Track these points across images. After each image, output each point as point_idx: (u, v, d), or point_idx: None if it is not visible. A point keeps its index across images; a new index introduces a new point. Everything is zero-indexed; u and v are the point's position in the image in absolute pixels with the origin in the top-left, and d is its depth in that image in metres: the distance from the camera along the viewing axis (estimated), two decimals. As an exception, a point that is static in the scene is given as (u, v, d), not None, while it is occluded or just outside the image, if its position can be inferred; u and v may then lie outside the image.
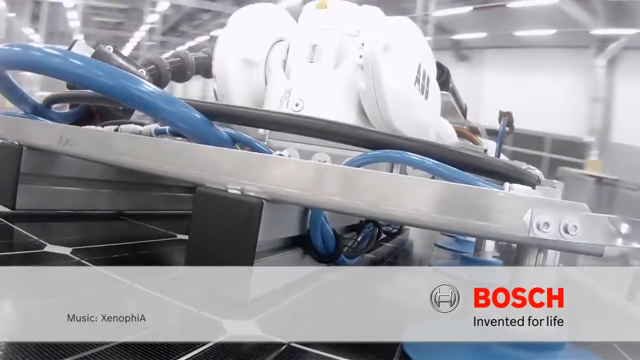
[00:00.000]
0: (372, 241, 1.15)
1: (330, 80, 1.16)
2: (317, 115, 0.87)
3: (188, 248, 0.67)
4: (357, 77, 1.11)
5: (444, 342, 0.61)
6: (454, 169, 0.69)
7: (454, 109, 1.85)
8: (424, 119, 1.21)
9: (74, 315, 0.53)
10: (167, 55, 1.61)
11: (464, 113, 1.99)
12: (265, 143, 0.98)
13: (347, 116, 1.13)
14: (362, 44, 1.08)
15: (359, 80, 1.10)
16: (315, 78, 1.17)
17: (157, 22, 12.22)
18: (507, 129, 1.88)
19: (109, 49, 1.23)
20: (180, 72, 1.57)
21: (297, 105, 1.15)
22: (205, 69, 1.70)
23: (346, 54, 1.19)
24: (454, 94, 1.80)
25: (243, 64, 1.24)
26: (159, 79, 1.41)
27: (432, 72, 1.25)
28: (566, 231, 0.49)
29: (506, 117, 1.88)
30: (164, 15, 12.21)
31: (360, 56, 1.08)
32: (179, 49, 1.70)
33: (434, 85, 1.25)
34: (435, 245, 1.82)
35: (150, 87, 0.75)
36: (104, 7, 13.28)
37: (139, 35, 12.31)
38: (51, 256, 0.75)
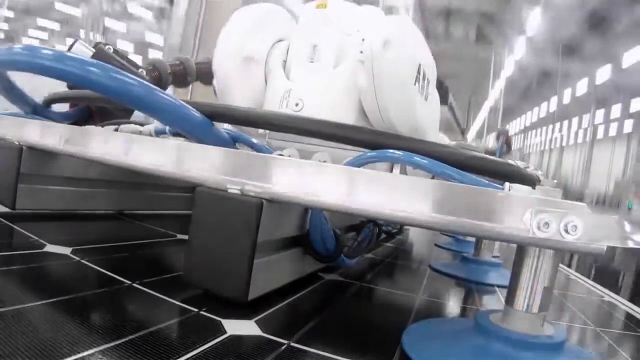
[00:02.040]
0: (372, 241, 1.16)
1: (330, 80, 1.16)
2: (317, 115, 0.87)
3: (188, 248, 0.67)
4: (357, 76, 1.11)
5: (444, 342, 0.62)
6: (454, 168, 0.69)
7: (452, 126, 1.86)
8: (423, 120, 1.21)
9: (74, 315, 0.53)
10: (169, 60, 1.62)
11: (462, 132, 2.01)
12: (265, 143, 0.98)
13: (347, 116, 1.14)
14: (363, 39, 1.08)
15: (359, 78, 1.10)
16: (315, 78, 1.17)
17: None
18: (504, 148, 1.90)
19: (109, 49, 1.23)
20: (181, 77, 1.57)
21: (297, 105, 1.15)
22: (205, 76, 1.71)
23: (346, 53, 1.19)
24: (452, 110, 1.81)
25: (243, 60, 1.24)
26: (159, 82, 1.41)
27: (433, 77, 1.25)
28: (566, 231, 0.49)
29: (504, 137, 1.90)
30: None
31: (361, 52, 1.08)
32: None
33: (433, 91, 1.25)
34: (435, 245, 1.83)
35: (150, 87, 0.75)
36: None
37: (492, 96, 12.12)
38: (51, 256, 0.75)
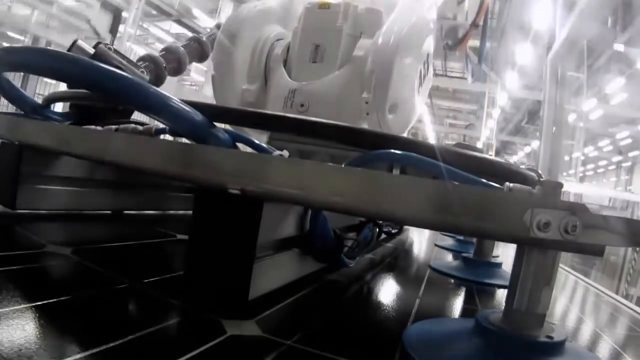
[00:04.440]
0: (372, 241, 1.16)
1: (335, 81, 1.16)
2: (322, 116, 0.87)
3: (188, 248, 0.67)
4: (360, 77, 1.12)
5: (444, 342, 0.61)
6: (454, 169, 0.69)
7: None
8: (419, 111, 1.25)
9: (74, 315, 0.53)
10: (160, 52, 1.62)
11: None
12: (265, 143, 0.98)
13: (350, 116, 1.14)
14: (367, 102, 1.09)
15: (365, 120, 1.12)
16: (320, 79, 1.17)
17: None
18: None
19: (109, 48, 1.23)
20: (176, 67, 1.58)
21: (302, 105, 1.15)
22: (197, 56, 1.71)
23: (349, 54, 1.19)
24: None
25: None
26: (157, 77, 1.42)
27: (429, 57, 1.26)
28: (566, 231, 0.49)
29: None
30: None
31: (367, 113, 1.09)
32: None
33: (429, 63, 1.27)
34: (435, 245, 1.82)
35: (150, 87, 0.75)
36: (456, 109, 14.47)
37: (484, 134, 12.49)
38: (51, 256, 0.75)
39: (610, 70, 8.85)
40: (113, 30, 5.49)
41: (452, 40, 2.14)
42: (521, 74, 9.66)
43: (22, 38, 7.01)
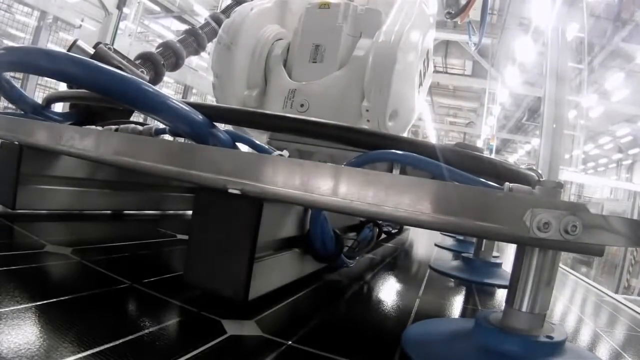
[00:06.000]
0: (372, 241, 1.16)
1: (335, 81, 1.16)
2: (322, 117, 0.87)
3: (188, 248, 0.67)
4: (360, 77, 1.12)
5: (444, 342, 0.61)
6: (454, 169, 0.69)
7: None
8: (422, 101, 1.26)
9: (73, 315, 0.53)
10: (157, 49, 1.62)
11: None
12: (266, 143, 0.98)
13: (350, 116, 1.14)
14: (367, 110, 1.09)
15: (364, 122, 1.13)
16: (320, 79, 1.17)
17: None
18: None
19: (109, 48, 1.23)
20: (174, 62, 1.58)
21: (302, 105, 1.15)
22: (194, 49, 1.72)
23: (349, 54, 1.19)
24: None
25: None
26: (156, 74, 1.42)
27: (429, 53, 1.26)
28: (566, 231, 0.49)
29: None
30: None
31: (368, 120, 1.09)
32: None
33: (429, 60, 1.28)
34: (435, 245, 1.82)
35: (151, 88, 0.75)
36: (457, 107, 14.40)
37: (484, 131, 12.35)
38: (51, 256, 0.75)
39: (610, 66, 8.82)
40: (120, 6, 5.48)
41: (453, 10, 2.13)
42: (521, 70, 9.63)
43: (23, 35, 7.01)
